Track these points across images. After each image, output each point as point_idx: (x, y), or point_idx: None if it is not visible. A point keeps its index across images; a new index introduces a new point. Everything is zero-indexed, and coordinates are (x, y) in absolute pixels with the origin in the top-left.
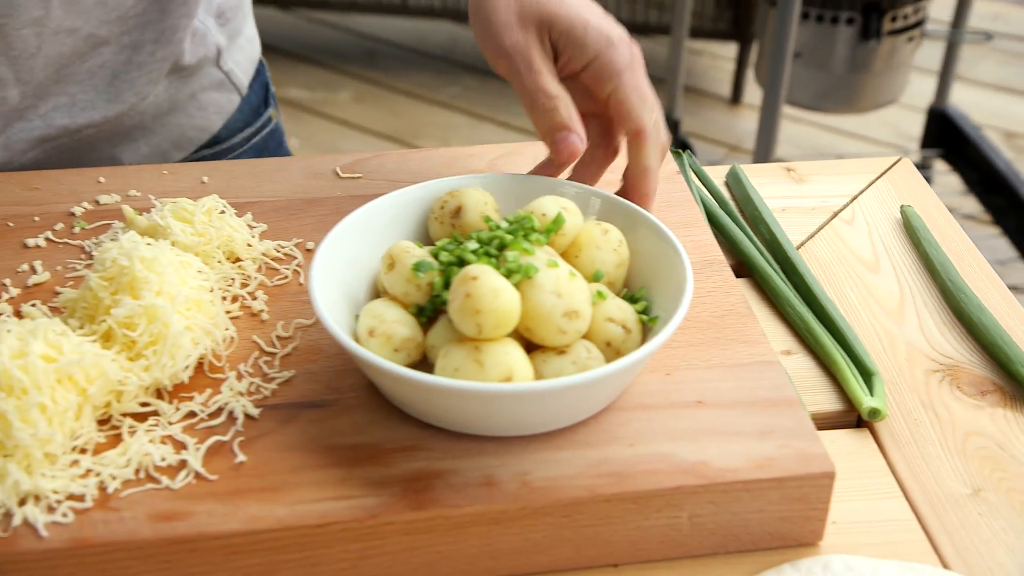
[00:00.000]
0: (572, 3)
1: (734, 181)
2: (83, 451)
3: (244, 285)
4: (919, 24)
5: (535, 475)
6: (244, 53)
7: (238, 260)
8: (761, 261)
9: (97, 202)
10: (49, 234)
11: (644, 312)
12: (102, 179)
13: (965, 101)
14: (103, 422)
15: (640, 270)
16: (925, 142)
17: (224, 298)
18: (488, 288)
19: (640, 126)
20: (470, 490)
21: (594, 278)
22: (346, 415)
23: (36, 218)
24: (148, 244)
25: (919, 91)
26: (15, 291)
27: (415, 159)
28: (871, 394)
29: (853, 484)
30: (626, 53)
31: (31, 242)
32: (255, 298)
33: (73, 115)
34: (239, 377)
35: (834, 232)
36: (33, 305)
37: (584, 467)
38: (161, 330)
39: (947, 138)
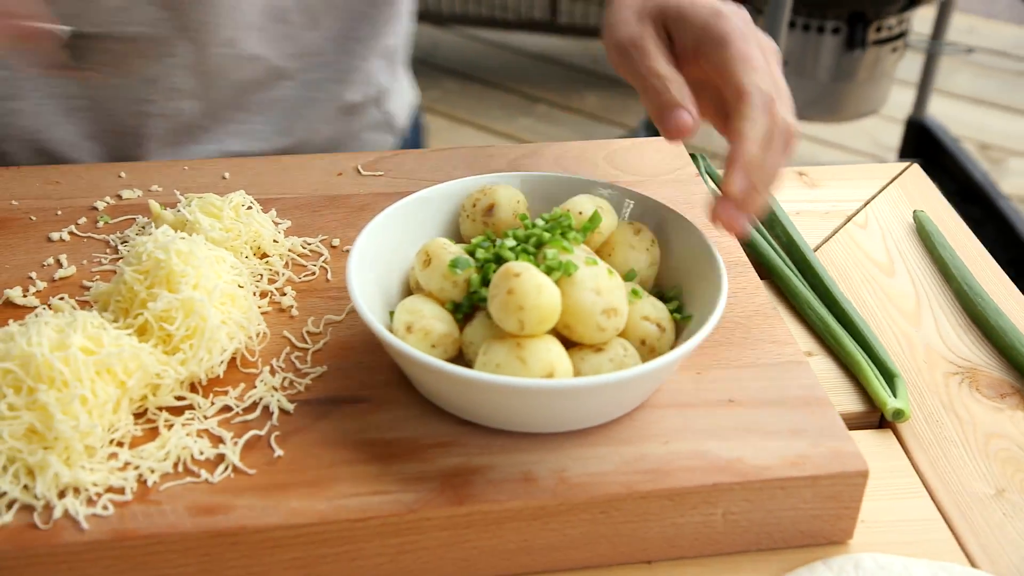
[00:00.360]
0: None
1: None
2: (120, 444)
3: (272, 281)
4: (903, 35)
5: (572, 471)
6: (404, 97)
7: (265, 256)
8: (780, 263)
9: (119, 196)
10: (73, 228)
11: (677, 311)
12: (123, 174)
13: (941, 113)
14: (139, 415)
15: (672, 269)
16: (903, 152)
17: (254, 293)
18: (531, 285)
19: (740, 86)
20: (508, 486)
21: (627, 277)
22: (381, 411)
23: (59, 212)
24: (183, 238)
25: (896, 102)
26: (42, 284)
27: (434, 158)
28: (894, 395)
29: (879, 483)
30: (736, 23)
31: (55, 236)
32: (284, 294)
33: (247, 143)
34: (272, 372)
35: (848, 236)
36: (61, 299)
37: (620, 464)
38: (198, 324)
39: (925, 149)
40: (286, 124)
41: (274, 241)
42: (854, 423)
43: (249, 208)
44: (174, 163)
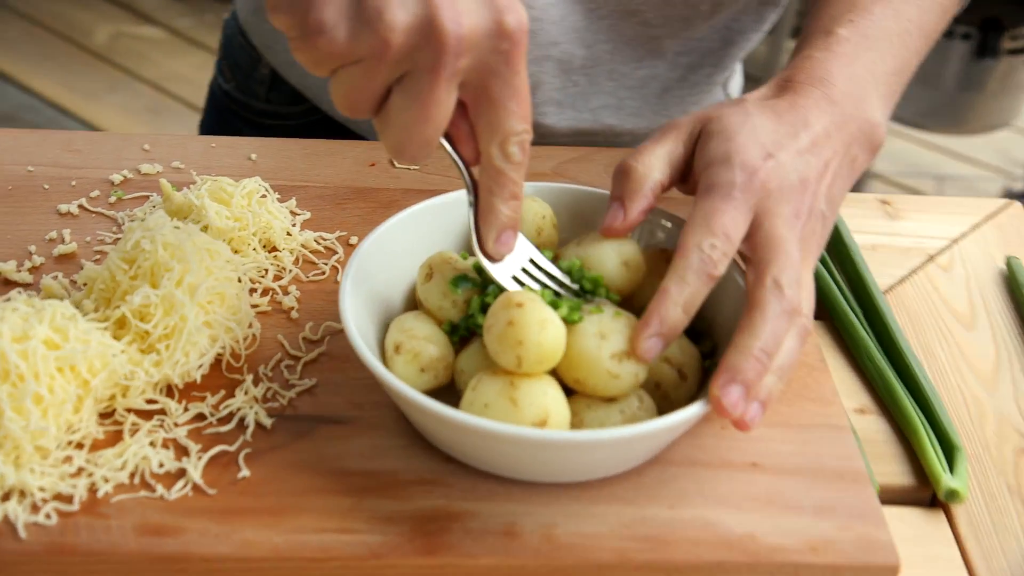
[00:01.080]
0: (744, 114)
1: None
2: (80, 446)
3: (278, 278)
4: None
5: (562, 529)
6: (737, 78)
7: (275, 249)
8: (842, 303)
9: (138, 171)
10: (84, 201)
11: (710, 354)
12: (147, 147)
13: None
14: (106, 415)
15: (709, 307)
16: None
17: (254, 290)
18: (534, 319)
19: (681, 243)
20: (488, 538)
21: None
22: (365, 435)
23: (73, 183)
24: (176, 227)
25: None
26: (39, 259)
27: None
28: (951, 471)
29: (918, 574)
30: (738, 178)
31: (63, 208)
32: (287, 293)
33: (621, 118)
34: (256, 381)
35: (927, 278)
36: (55, 277)
37: (617, 526)
38: (177, 323)
39: None
40: (661, 104)
41: (287, 234)
42: (901, 498)
43: (264, 196)
44: (201, 139)
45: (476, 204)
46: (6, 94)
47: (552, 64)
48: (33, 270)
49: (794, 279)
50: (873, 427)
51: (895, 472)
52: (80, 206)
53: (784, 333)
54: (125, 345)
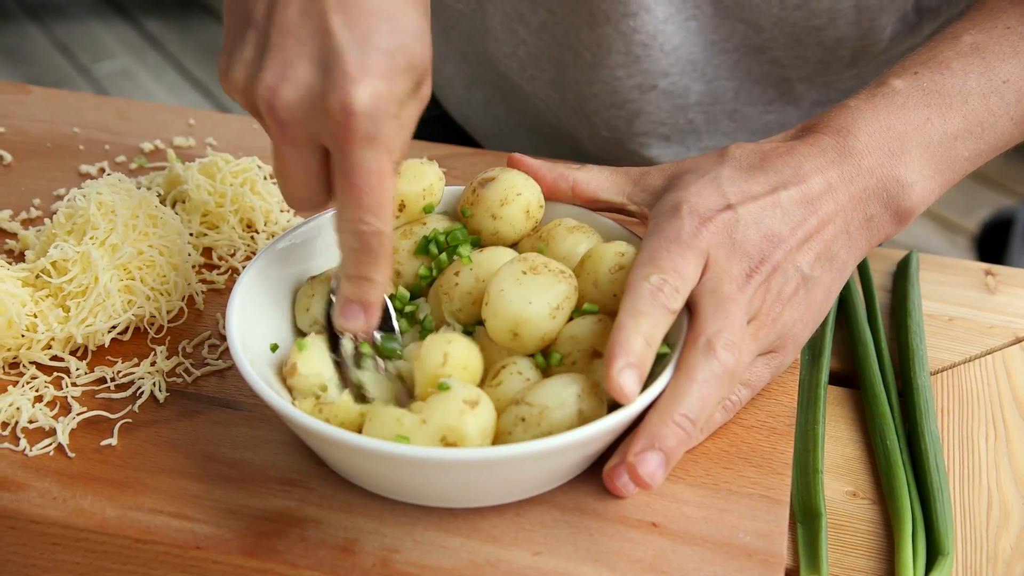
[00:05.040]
0: (715, 163)
1: (900, 272)
2: None
3: (247, 258)
4: None
5: (403, 555)
6: None
7: (255, 230)
8: (875, 373)
9: (171, 142)
10: (105, 164)
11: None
12: (192, 121)
13: None
14: (13, 365)
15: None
16: None
17: (217, 268)
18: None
19: (628, 282)
20: (321, 552)
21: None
22: (249, 426)
23: (107, 146)
24: (127, 190)
25: None
26: (36, 214)
27: (490, 157)
28: None
29: None
30: (686, 226)
31: (84, 168)
32: None
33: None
34: (171, 354)
35: (1003, 361)
36: (38, 230)
37: (465, 563)
38: (90, 283)
39: None
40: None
41: (273, 217)
42: None
43: (265, 178)
44: (243, 118)
45: None
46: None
47: (659, 95)
48: (26, 222)
49: (731, 341)
50: (859, 514)
51: (862, 569)
52: (100, 168)
53: (713, 399)
54: (40, 297)
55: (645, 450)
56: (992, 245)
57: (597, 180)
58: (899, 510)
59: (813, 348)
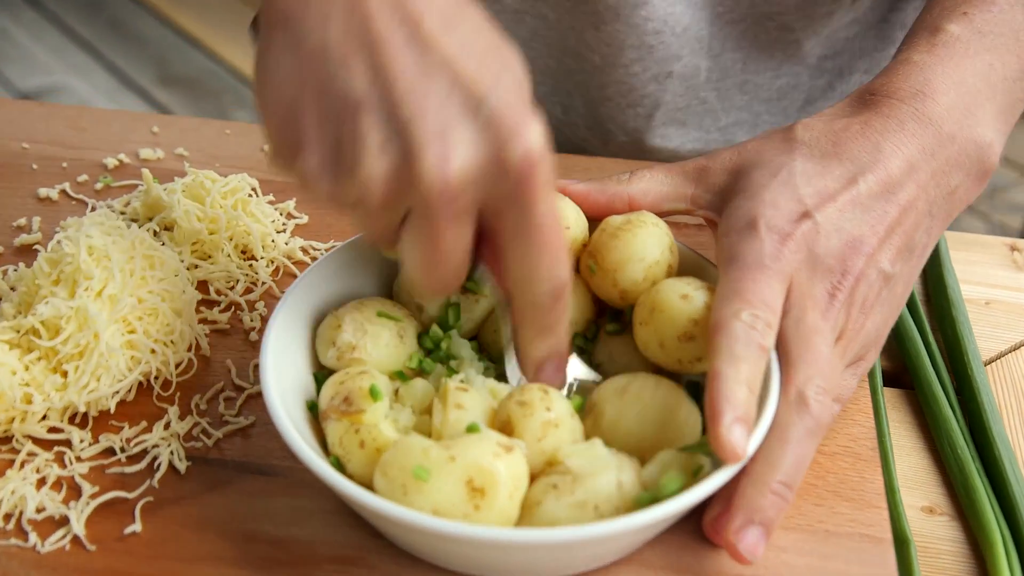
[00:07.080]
0: (783, 154)
1: (931, 254)
2: None
3: (248, 290)
4: None
5: None
6: None
7: (252, 257)
8: (929, 373)
9: (137, 155)
10: (67, 186)
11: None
12: (156, 128)
13: None
14: (5, 440)
15: None
16: None
17: (216, 303)
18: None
19: (716, 319)
20: None
21: None
22: (288, 495)
23: (64, 164)
24: (116, 227)
25: None
26: None
27: None
28: None
29: None
30: (766, 247)
31: (43, 192)
32: (253, 309)
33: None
34: (184, 414)
35: None
36: (4, 272)
37: None
38: (90, 342)
39: None
40: (803, 116)
41: (271, 241)
42: None
43: (252, 195)
44: (217, 123)
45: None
46: (191, 59)
47: (674, 81)
48: None
49: (821, 387)
50: (940, 532)
51: None
52: (62, 191)
53: (809, 457)
54: (31, 361)
55: (744, 526)
56: None
57: (655, 189)
58: (986, 525)
59: None
